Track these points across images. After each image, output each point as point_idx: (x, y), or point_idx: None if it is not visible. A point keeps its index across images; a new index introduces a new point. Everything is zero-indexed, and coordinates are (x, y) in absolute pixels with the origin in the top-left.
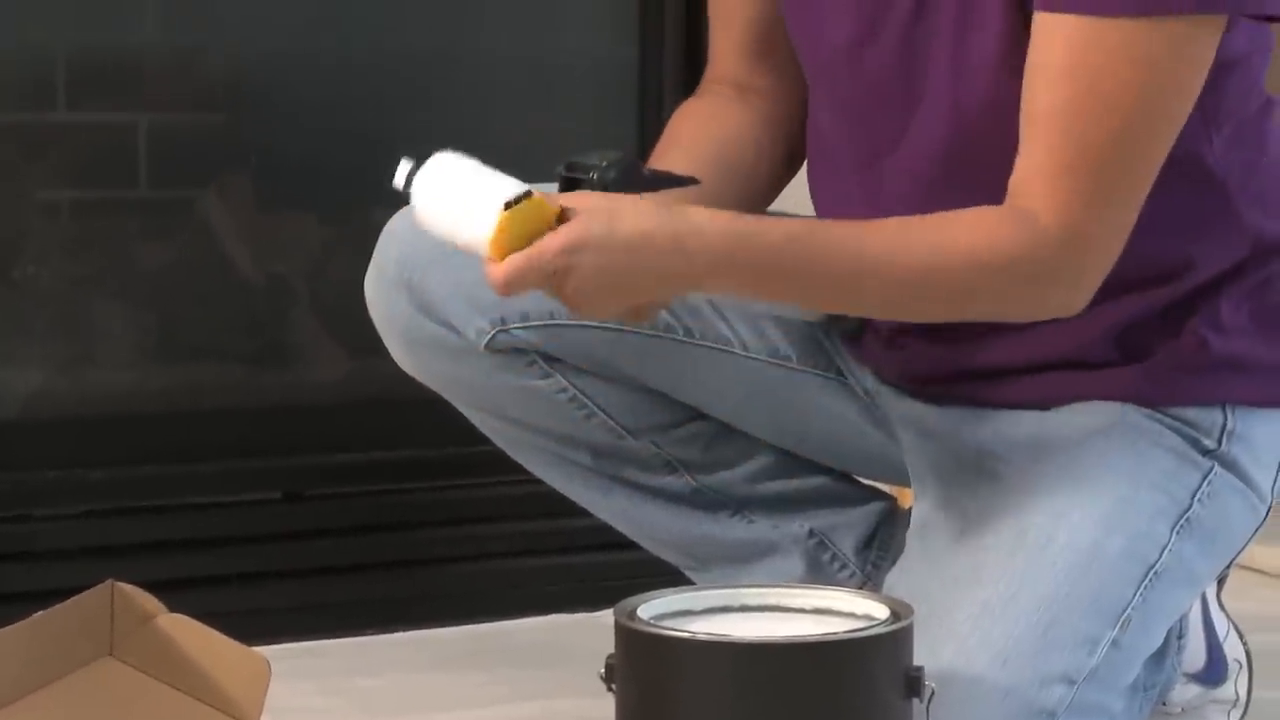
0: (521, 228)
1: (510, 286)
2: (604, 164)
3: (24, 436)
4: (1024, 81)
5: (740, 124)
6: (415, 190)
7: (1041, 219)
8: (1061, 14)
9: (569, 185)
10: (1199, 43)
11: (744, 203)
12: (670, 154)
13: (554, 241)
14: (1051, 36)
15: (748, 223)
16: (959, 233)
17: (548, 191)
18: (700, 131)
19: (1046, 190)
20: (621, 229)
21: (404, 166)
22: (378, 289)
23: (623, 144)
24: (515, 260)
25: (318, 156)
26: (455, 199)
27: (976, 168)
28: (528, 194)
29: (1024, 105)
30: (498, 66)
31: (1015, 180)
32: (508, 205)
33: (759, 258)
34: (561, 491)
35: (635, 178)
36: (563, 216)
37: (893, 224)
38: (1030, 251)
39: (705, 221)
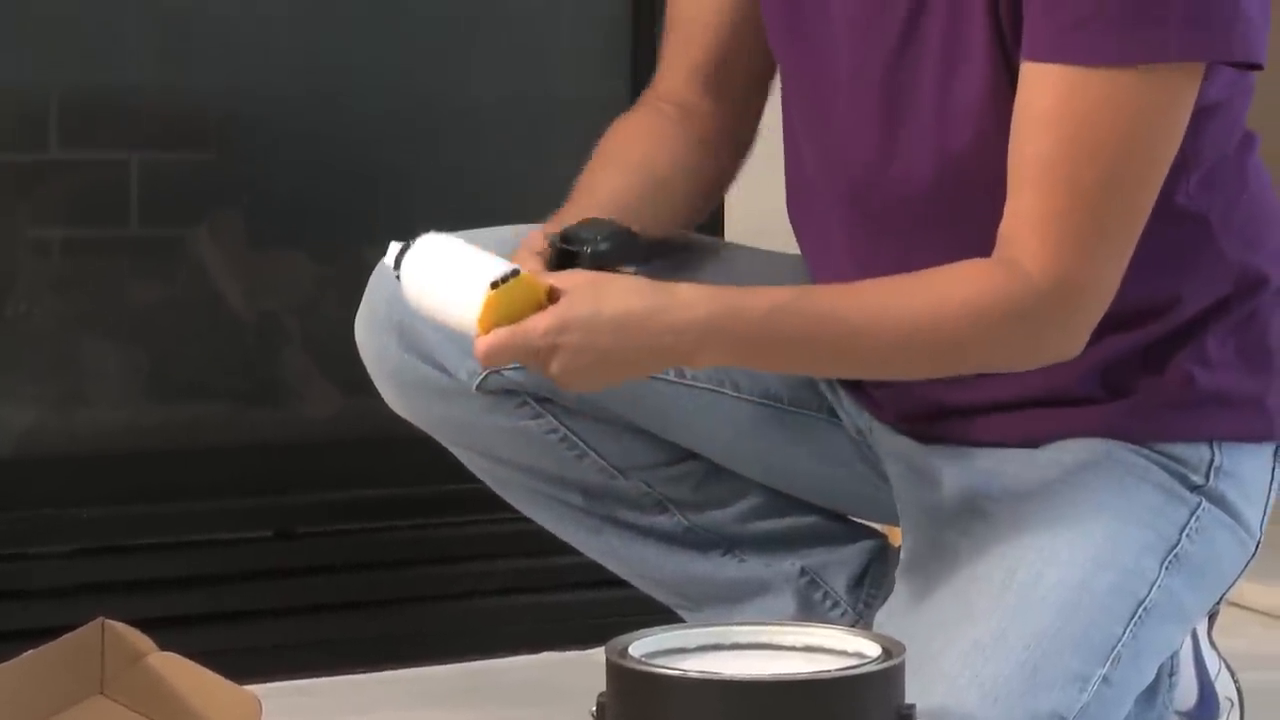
0: (509, 307)
1: (491, 360)
2: (597, 237)
3: (16, 475)
4: (1011, 130)
5: (674, 145)
6: (404, 271)
7: (1032, 268)
8: (1047, 64)
9: (563, 256)
10: (1182, 88)
11: (669, 224)
12: (601, 174)
13: (539, 322)
14: (1037, 86)
15: (735, 295)
16: (950, 287)
17: (544, 250)
18: (632, 151)
19: (1036, 239)
20: (607, 310)
21: (393, 248)
22: (369, 330)
23: None
24: (500, 334)
25: (309, 195)
26: (444, 279)
27: (960, 206)
28: (515, 273)
29: (1011, 154)
30: (489, 105)
31: (1004, 230)
32: (494, 285)
33: (748, 329)
34: (552, 531)
35: (629, 249)
36: (552, 295)
37: (882, 284)
38: (1022, 302)
39: (692, 297)
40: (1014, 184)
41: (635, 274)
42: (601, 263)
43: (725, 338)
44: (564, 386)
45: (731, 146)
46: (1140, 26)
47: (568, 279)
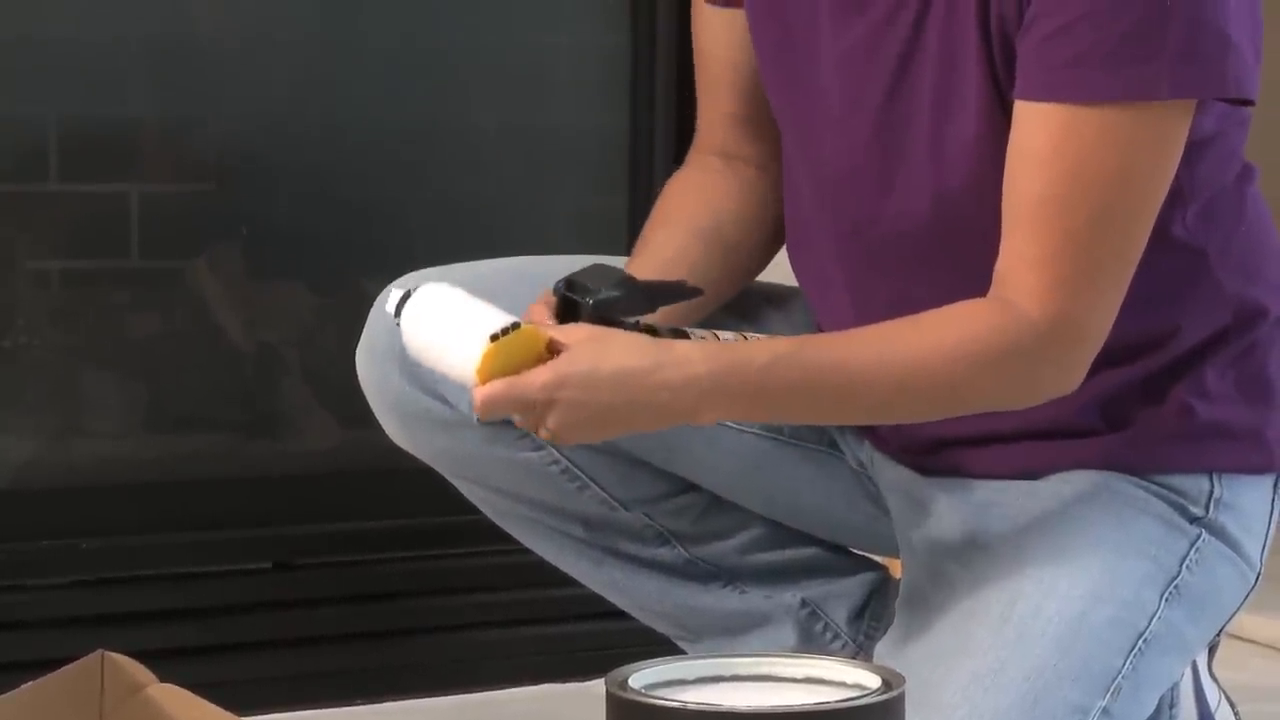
0: (508, 359)
1: (487, 410)
2: (601, 287)
3: (15, 506)
4: (1005, 169)
5: (727, 197)
6: (405, 320)
7: (1028, 307)
8: (1041, 103)
9: (567, 305)
10: (1175, 125)
11: (733, 276)
12: (659, 233)
13: (537, 377)
14: (1031, 125)
15: (733, 350)
16: (946, 331)
17: (546, 303)
18: (688, 209)
19: (1032, 277)
20: (605, 367)
21: (394, 294)
22: (369, 362)
23: (613, 214)
24: (496, 386)
25: (308, 227)
26: (444, 330)
27: (958, 241)
28: (515, 325)
29: (1006, 193)
30: (489, 136)
31: (1000, 269)
32: (494, 337)
33: (747, 385)
34: (553, 563)
35: (633, 299)
36: (553, 347)
37: (879, 330)
38: (1019, 342)
39: (690, 354)
40: (1009, 223)
41: (639, 324)
42: (604, 313)
43: (726, 394)
44: (560, 441)
45: (781, 194)
46: (1132, 64)
47: (570, 333)
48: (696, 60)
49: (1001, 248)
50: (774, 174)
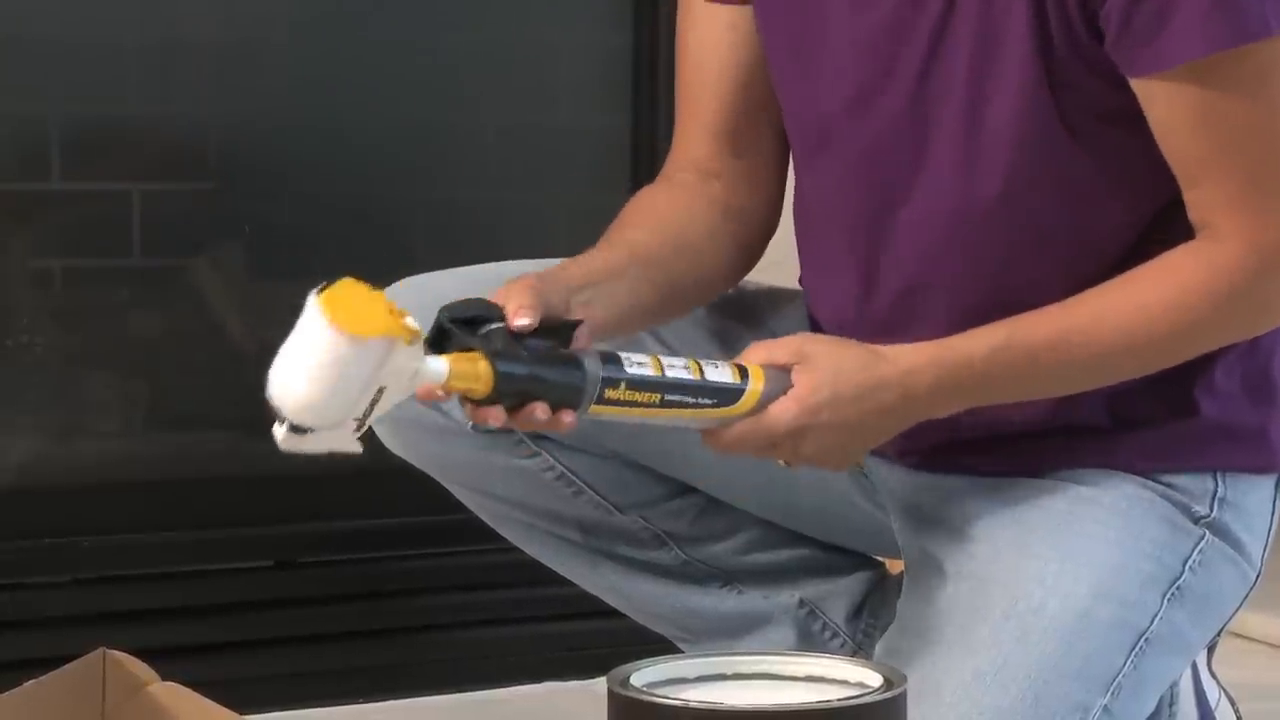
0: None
1: (731, 450)
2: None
3: (17, 505)
4: (1159, 141)
5: (698, 208)
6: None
7: (1238, 246)
8: (1167, 72)
9: (440, 335)
10: None
11: (700, 288)
12: (622, 235)
13: (783, 414)
14: (1165, 96)
15: (948, 347)
16: (1160, 282)
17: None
18: (655, 215)
19: (1231, 219)
20: (844, 389)
21: None
22: None
23: (615, 214)
24: (742, 426)
25: (310, 225)
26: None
27: (982, 237)
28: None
29: (1169, 158)
30: (491, 136)
31: (1196, 219)
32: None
33: (974, 377)
34: (550, 566)
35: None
36: (774, 363)
37: (1089, 299)
38: (1238, 276)
39: (912, 361)
40: (1184, 180)
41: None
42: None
43: (953, 389)
44: (820, 465)
45: (760, 202)
46: (1234, 12)
47: (792, 349)
48: (682, 67)
49: (1186, 201)
50: (748, 195)
